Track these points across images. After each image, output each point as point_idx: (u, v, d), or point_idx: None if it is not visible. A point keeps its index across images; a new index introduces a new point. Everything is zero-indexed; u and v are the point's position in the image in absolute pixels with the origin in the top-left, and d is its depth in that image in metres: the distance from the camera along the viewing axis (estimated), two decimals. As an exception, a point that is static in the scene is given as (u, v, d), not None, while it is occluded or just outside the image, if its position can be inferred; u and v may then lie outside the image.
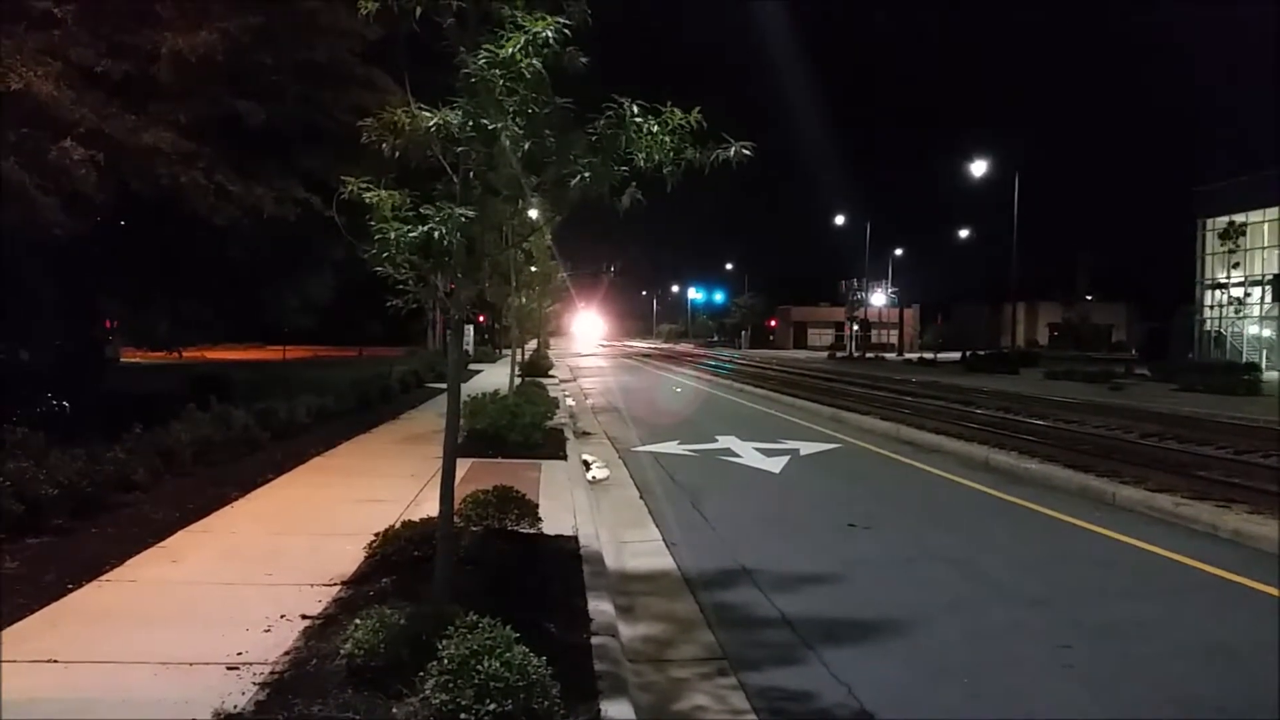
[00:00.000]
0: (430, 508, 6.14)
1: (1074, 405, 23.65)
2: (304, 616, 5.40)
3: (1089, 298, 77.16)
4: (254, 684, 4.39)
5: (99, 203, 11.17)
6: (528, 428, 12.73)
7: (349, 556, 6.60)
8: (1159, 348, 50.51)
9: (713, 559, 8.02)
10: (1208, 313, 47.82)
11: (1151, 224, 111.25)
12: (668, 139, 4.40)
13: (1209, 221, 46.79)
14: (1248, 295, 44.62)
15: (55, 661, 4.65)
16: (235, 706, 4.11)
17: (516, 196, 5.17)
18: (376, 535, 6.52)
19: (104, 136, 10.61)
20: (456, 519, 5.85)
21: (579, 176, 4.49)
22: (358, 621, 4.51)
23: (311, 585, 6.04)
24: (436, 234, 4.43)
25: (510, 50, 4.29)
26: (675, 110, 4.41)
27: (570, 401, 23.38)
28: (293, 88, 12.94)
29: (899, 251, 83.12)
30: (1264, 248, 44.20)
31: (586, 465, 12.59)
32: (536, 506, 7.48)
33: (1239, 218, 43.67)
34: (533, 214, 6.76)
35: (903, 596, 7.01)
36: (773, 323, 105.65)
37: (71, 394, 14.45)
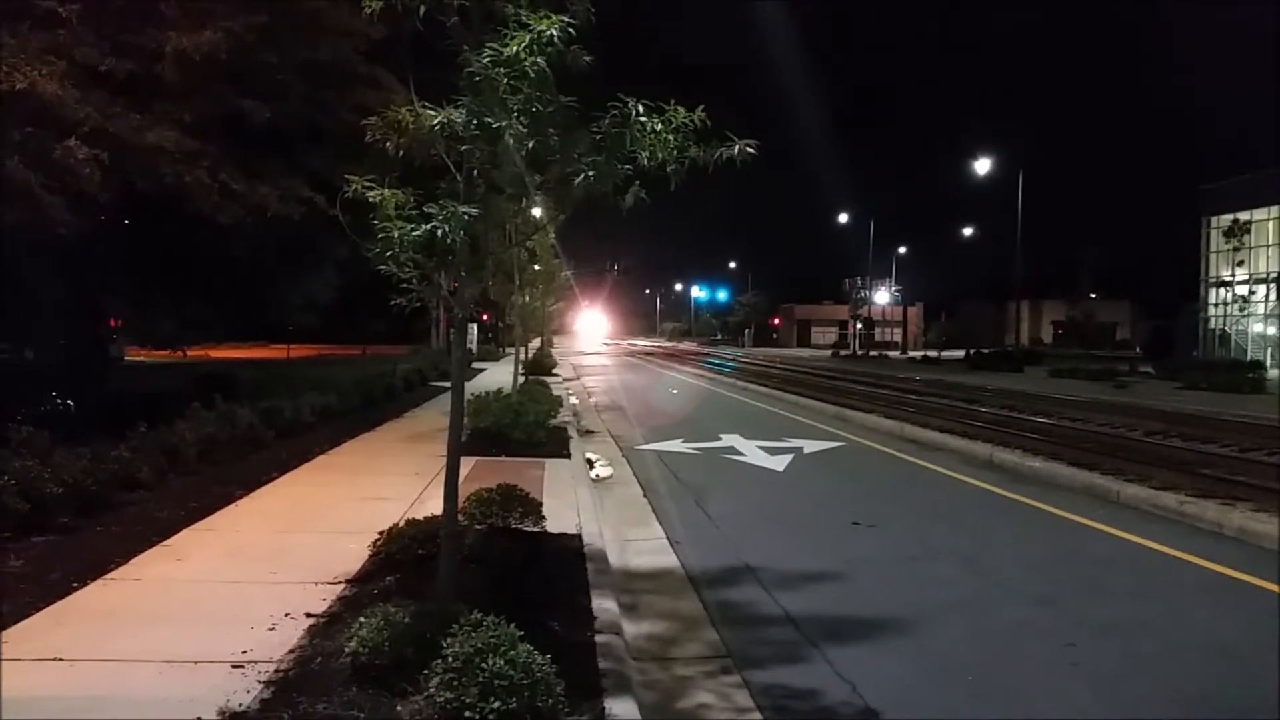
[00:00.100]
0: (434, 506, 6.15)
1: (1078, 403, 23.59)
2: (309, 615, 5.41)
3: (1093, 296, 77.05)
4: (259, 682, 4.39)
5: (103, 202, 11.18)
6: (531, 426, 12.75)
7: (353, 555, 6.60)
8: (1163, 346, 50.30)
9: (717, 557, 8.02)
10: (1212, 311, 47.68)
11: (1156, 222, 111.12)
12: (671, 138, 4.38)
13: (1214, 219, 46.66)
14: (1252, 293, 44.52)
15: (60, 660, 4.66)
16: (240, 705, 4.11)
17: (520, 195, 5.18)
18: (381, 533, 6.52)
19: (108, 136, 10.62)
20: (460, 517, 5.85)
21: (583, 175, 4.49)
22: (362, 620, 4.52)
23: (316, 583, 6.05)
24: (440, 232, 4.43)
25: (514, 49, 4.28)
26: (679, 109, 4.39)
27: (574, 400, 23.38)
28: (297, 87, 12.95)
29: (903, 250, 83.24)
30: (1268, 245, 44.08)
31: (590, 463, 12.57)
32: (540, 505, 7.47)
33: (1244, 215, 43.48)
34: (536, 212, 6.76)
35: (907, 595, 7.01)
36: (776, 321, 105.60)
37: (76, 393, 14.51)
